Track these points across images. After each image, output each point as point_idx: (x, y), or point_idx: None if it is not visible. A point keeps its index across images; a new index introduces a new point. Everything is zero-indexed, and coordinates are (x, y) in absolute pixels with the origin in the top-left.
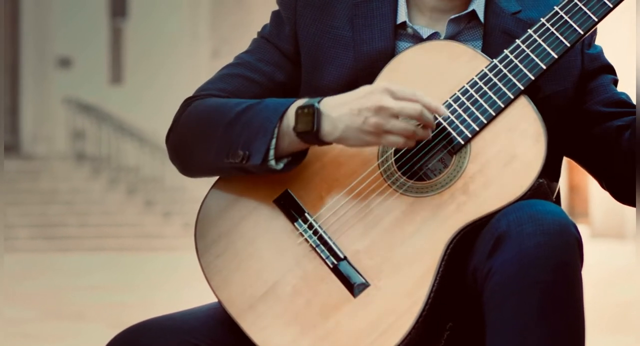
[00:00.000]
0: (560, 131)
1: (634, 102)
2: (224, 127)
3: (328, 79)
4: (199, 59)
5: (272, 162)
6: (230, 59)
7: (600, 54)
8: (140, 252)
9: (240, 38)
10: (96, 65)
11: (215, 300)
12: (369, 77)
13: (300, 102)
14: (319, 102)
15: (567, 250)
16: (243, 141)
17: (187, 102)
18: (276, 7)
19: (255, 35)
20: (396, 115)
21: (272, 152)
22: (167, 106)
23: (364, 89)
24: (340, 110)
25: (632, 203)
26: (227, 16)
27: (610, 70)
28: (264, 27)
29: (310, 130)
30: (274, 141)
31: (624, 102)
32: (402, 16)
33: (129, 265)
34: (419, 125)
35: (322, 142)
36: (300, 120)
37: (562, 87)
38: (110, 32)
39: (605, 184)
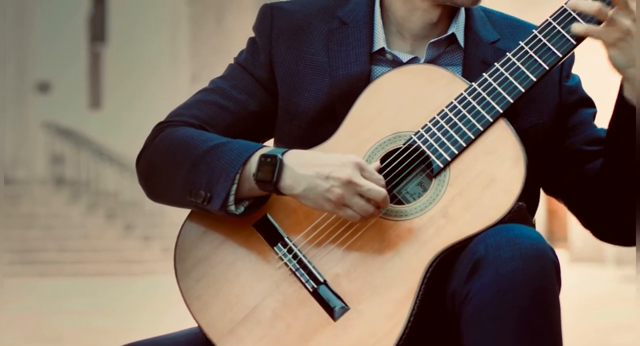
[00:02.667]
0: (539, 164)
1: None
2: (189, 166)
3: (305, 105)
4: (179, 83)
5: (232, 207)
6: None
7: (578, 85)
8: (120, 277)
9: (219, 62)
10: (75, 89)
11: (195, 324)
12: (345, 102)
13: (265, 149)
14: (283, 154)
15: (545, 275)
16: (205, 183)
17: (160, 128)
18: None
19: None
20: (360, 194)
21: (232, 198)
22: (146, 130)
23: (335, 157)
24: (306, 169)
25: (613, 242)
26: (206, 40)
27: (588, 103)
28: (241, 53)
29: (270, 180)
30: (234, 187)
31: (603, 139)
32: (380, 42)
33: (108, 289)
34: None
35: (279, 193)
36: (262, 169)
37: (540, 120)
38: (89, 57)
39: (585, 223)
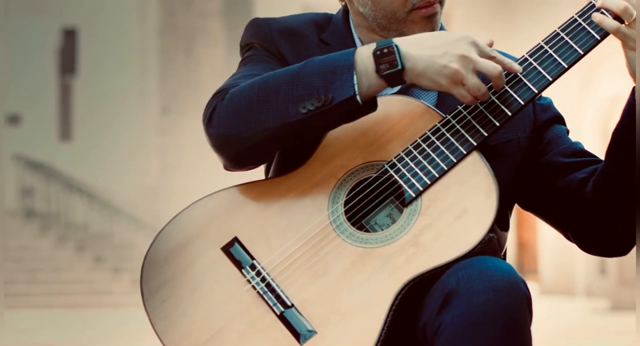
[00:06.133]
0: (511, 180)
1: (589, 150)
2: (289, 83)
3: None
4: (148, 115)
5: (358, 98)
6: (179, 116)
7: (550, 104)
8: (90, 309)
9: (189, 95)
10: (45, 122)
11: None
12: None
13: (370, 46)
14: (391, 41)
15: (517, 307)
16: (322, 85)
17: (221, 92)
18: (224, 64)
19: (203, 93)
20: (475, 70)
21: (356, 87)
22: (116, 163)
23: (449, 34)
24: (421, 49)
25: (598, 253)
26: (175, 73)
27: (561, 120)
28: (244, 58)
29: (396, 68)
30: (355, 77)
31: (581, 151)
32: None
33: (78, 321)
34: (490, 87)
35: (400, 81)
36: (383, 61)
37: (514, 136)
38: (59, 89)
39: (572, 235)
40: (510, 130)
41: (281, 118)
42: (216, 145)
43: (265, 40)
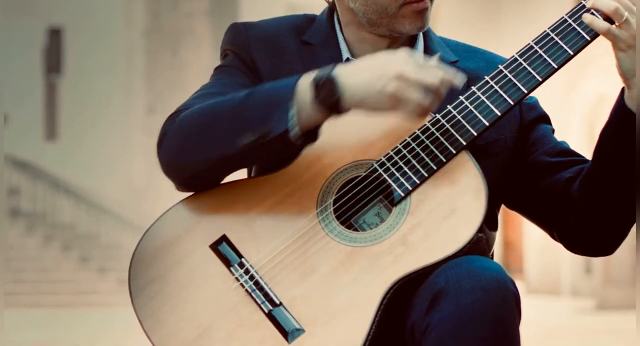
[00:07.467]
0: (498, 180)
1: (576, 150)
2: (230, 114)
3: None
4: (134, 115)
5: (296, 130)
6: (165, 116)
7: (536, 103)
8: (76, 308)
9: (174, 95)
10: (31, 121)
11: None
12: None
13: (309, 75)
14: (333, 71)
15: (505, 306)
16: (258, 118)
17: (173, 116)
18: (210, 65)
19: (189, 93)
20: (415, 85)
21: (294, 120)
22: (102, 162)
23: (382, 56)
24: (358, 76)
25: (584, 252)
26: (161, 73)
27: (547, 119)
28: (217, 67)
29: (335, 98)
30: (293, 110)
31: (567, 151)
32: (345, 55)
33: (64, 321)
34: (431, 99)
35: (344, 110)
36: (321, 92)
37: (501, 135)
38: (45, 88)
39: (557, 234)
40: (497, 130)
41: (221, 149)
42: (165, 171)
43: (240, 48)
